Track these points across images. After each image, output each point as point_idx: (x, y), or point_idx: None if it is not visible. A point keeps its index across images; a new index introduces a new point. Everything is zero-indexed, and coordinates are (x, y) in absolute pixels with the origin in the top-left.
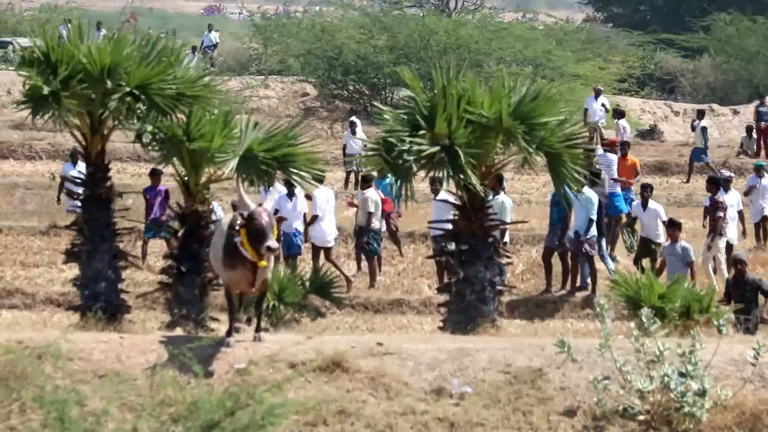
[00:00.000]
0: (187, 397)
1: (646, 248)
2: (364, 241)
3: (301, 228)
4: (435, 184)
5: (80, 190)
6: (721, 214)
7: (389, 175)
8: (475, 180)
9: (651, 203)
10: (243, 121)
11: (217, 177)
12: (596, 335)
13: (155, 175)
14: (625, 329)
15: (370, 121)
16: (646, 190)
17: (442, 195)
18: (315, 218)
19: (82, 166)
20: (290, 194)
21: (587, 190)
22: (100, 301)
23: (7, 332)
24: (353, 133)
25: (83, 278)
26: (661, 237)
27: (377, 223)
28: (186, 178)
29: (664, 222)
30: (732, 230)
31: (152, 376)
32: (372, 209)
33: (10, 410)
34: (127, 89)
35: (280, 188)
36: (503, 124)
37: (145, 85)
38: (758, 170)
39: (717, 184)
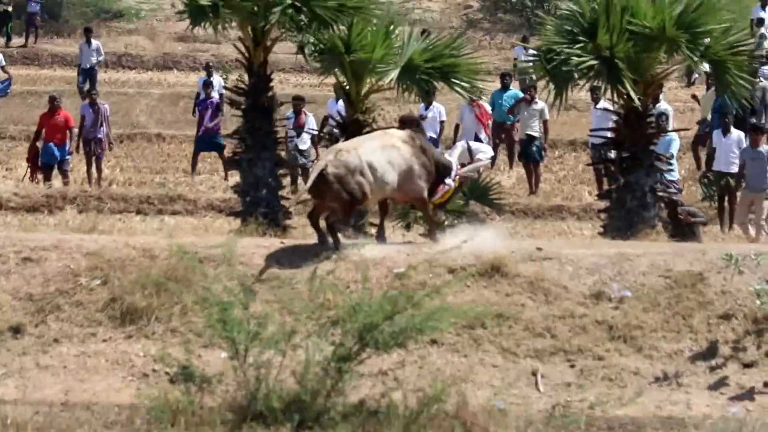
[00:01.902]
0: (346, 301)
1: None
2: (534, 150)
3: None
4: (595, 93)
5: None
6: None
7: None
8: (633, 93)
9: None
10: (405, 32)
11: (378, 87)
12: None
13: (207, 86)
14: None
15: (531, 32)
16: (726, 117)
17: (602, 104)
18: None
19: (217, 80)
20: (428, 105)
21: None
22: (261, 207)
23: (169, 238)
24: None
25: (244, 185)
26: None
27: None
28: (347, 88)
29: None
30: None
31: (312, 279)
32: (548, 118)
33: (171, 313)
34: (289, 1)
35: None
36: (666, 34)
37: None
38: None
39: None
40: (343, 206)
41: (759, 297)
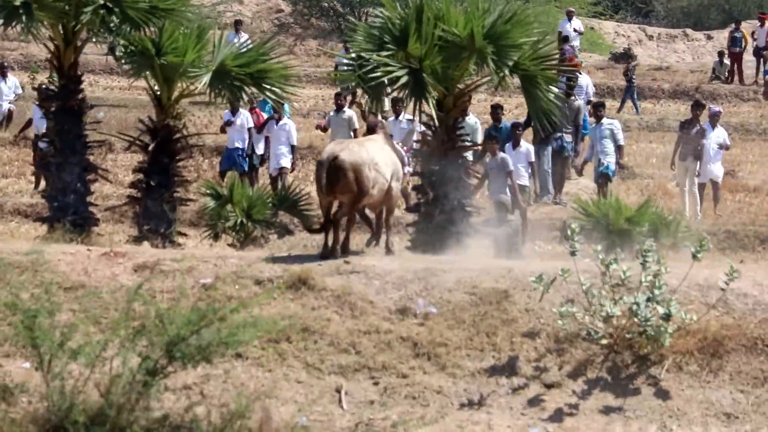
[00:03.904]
0: (152, 311)
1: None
2: None
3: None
4: (398, 105)
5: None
6: (704, 141)
7: None
8: (433, 109)
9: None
10: (216, 36)
11: (190, 92)
12: (564, 258)
13: None
14: (591, 252)
15: (342, 39)
16: (518, 129)
17: (406, 116)
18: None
19: (12, 80)
20: (234, 112)
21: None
22: (68, 213)
23: None
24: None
25: (52, 190)
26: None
27: None
28: (158, 92)
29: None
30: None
31: (118, 289)
32: (357, 127)
33: None
34: (101, 1)
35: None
36: (475, 45)
37: None
38: None
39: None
40: (352, 200)
41: (562, 317)
